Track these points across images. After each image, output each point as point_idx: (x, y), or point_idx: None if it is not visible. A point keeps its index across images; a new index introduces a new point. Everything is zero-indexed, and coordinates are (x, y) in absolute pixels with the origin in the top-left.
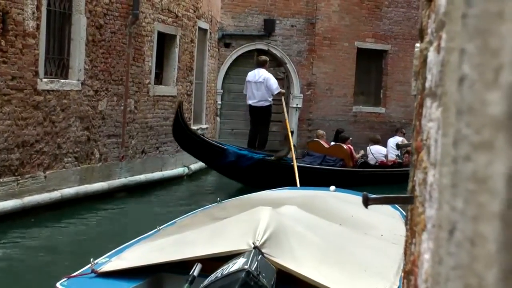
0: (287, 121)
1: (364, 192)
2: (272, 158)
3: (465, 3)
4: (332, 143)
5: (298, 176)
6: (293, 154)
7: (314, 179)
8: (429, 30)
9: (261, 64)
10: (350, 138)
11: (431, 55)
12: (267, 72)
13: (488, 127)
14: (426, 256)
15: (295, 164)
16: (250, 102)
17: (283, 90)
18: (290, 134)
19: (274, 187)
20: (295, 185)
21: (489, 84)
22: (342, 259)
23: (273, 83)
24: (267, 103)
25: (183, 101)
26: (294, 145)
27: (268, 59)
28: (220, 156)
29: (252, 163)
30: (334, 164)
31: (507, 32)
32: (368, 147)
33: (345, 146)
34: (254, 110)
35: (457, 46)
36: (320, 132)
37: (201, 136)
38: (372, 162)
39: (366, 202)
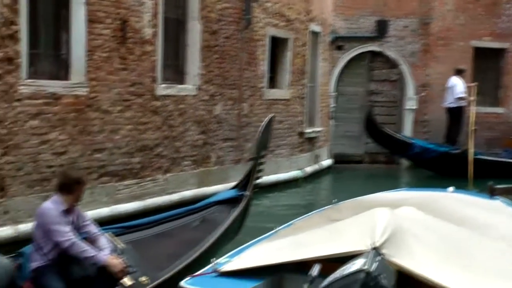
0: (471, 120)
1: (490, 182)
2: (458, 151)
3: None
4: None
5: (485, 168)
6: (470, 148)
7: (496, 171)
8: None
9: (456, 72)
10: None
11: None
12: (457, 79)
13: None
14: None
15: (471, 157)
16: (444, 103)
17: (463, 95)
18: (472, 130)
19: (457, 175)
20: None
21: None
22: (463, 261)
23: (457, 88)
24: (454, 105)
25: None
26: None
27: (462, 68)
28: (407, 149)
29: (436, 155)
30: None
31: None
32: None
33: None
34: (447, 111)
35: None
36: None
37: (389, 131)
38: None
39: (492, 192)
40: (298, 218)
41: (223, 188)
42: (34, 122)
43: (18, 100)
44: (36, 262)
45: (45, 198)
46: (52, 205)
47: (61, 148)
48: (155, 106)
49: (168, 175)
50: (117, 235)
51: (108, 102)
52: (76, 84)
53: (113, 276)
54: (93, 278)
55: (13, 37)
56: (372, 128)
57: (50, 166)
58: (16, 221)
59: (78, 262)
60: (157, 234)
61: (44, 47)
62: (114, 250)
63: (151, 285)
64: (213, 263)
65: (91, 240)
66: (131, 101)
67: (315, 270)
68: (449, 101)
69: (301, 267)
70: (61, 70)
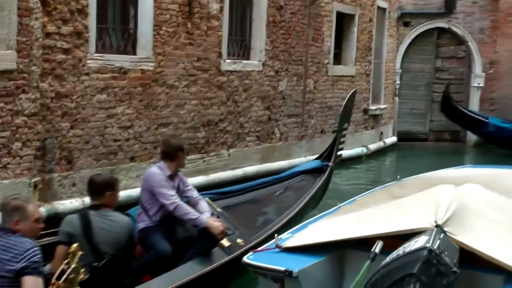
0: None
1: None
2: None
3: None
4: None
5: None
6: None
7: None
8: None
9: None
10: None
11: None
12: None
13: None
14: None
15: None
16: None
17: None
18: None
19: None
20: None
21: None
22: None
23: None
24: None
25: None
26: None
27: None
28: (481, 127)
29: (510, 135)
30: None
31: None
32: None
33: None
34: None
35: None
36: None
37: (463, 109)
38: None
39: None
40: (361, 195)
41: (287, 164)
42: (102, 96)
43: (86, 74)
44: (142, 223)
45: (112, 171)
46: (158, 170)
47: (127, 122)
48: (220, 81)
49: (232, 150)
50: (213, 200)
51: (174, 77)
52: (143, 58)
53: (213, 237)
54: (194, 239)
55: (82, 12)
56: (446, 105)
57: (117, 140)
58: (83, 194)
59: (181, 224)
60: (247, 200)
61: (112, 21)
62: (212, 214)
63: (245, 247)
64: (275, 239)
65: (192, 204)
66: (197, 76)
67: (377, 247)
68: None
69: (363, 243)
70: (128, 44)
